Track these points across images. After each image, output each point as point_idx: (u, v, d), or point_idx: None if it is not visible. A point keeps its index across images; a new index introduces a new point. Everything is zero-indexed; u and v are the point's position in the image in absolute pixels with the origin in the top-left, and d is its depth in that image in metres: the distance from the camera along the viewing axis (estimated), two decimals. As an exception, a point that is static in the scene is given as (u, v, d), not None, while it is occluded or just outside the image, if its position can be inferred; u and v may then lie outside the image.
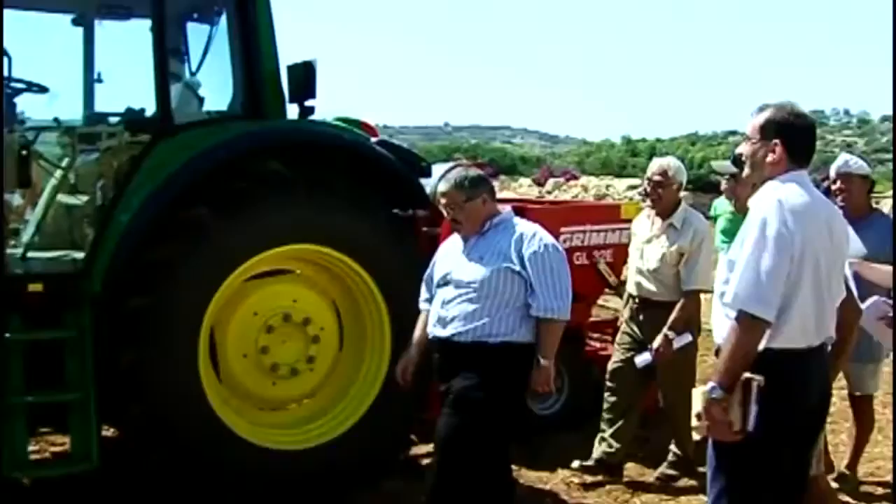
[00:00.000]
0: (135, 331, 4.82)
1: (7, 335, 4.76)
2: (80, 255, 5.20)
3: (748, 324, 3.24)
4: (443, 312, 4.50)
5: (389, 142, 5.81)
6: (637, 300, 5.82)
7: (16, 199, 5.72)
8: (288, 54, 5.62)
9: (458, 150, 65.14)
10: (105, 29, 6.16)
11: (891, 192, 17.06)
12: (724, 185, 6.22)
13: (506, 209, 4.70)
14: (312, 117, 5.63)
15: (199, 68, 5.89)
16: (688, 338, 5.58)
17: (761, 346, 3.28)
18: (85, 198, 5.63)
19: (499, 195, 5.39)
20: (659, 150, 53.30)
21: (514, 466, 5.10)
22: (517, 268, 4.36)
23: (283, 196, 5.12)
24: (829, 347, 3.57)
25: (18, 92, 5.52)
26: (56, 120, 5.97)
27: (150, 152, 5.23)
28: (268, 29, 5.46)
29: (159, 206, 5.04)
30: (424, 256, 5.55)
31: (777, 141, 3.41)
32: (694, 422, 3.37)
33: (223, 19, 5.67)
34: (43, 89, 5.65)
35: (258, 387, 5.41)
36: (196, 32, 5.96)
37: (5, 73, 5.13)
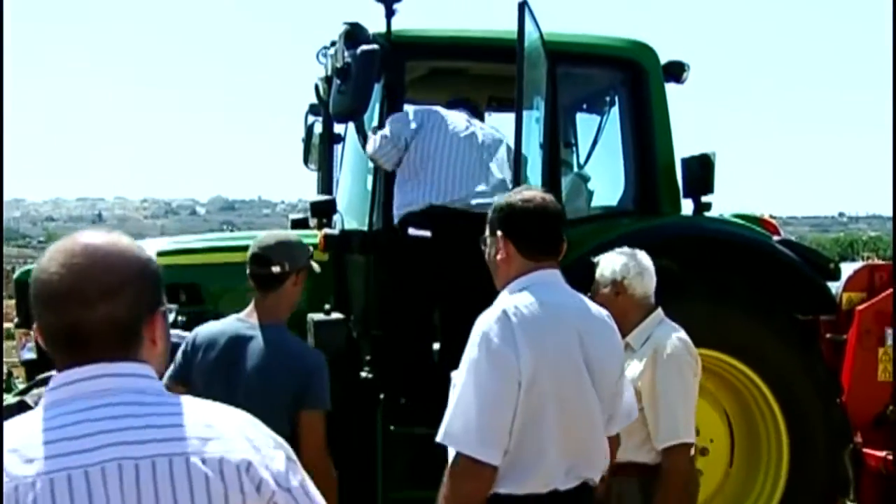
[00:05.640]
0: None
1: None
2: None
3: (468, 470, 2.48)
4: None
5: (792, 241, 5.38)
6: None
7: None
8: (682, 146, 5.38)
9: (855, 243, 59.64)
10: (493, 120, 6.23)
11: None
12: None
13: None
14: (709, 213, 5.34)
15: (587, 161, 5.78)
16: None
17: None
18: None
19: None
20: None
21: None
22: None
23: (675, 296, 4.80)
24: None
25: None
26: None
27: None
28: (663, 121, 5.27)
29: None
30: (828, 367, 5.02)
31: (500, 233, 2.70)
32: None
33: (615, 111, 5.53)
34: None
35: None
36: (585, 124, 5.86)
37: None
